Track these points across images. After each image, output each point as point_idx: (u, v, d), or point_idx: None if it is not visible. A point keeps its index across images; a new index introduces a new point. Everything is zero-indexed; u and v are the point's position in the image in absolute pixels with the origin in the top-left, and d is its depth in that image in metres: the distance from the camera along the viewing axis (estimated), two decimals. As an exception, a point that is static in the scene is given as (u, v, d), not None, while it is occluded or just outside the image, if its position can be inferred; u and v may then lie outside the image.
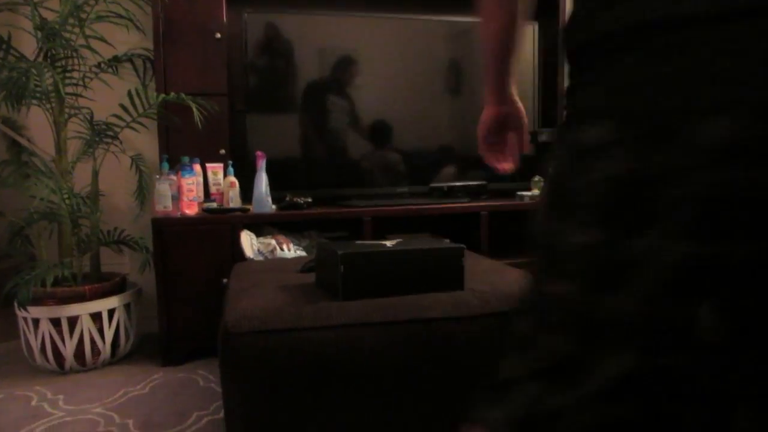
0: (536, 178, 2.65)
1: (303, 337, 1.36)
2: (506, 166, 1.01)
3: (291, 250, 2.29)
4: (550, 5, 2.79)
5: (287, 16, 2.51)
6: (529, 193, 2.63)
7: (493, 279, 1.71)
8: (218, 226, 2.24)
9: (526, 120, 1.01)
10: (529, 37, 2.79)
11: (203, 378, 2.12)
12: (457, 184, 2.68)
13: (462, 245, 1.61)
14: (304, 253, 2.28)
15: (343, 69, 2.58)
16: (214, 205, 2.34)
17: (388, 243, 1.60)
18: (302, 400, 1.37)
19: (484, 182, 2.70)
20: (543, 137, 2.67)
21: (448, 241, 1.75)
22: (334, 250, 1.52)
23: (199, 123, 2.30)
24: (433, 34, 2.68)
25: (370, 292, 1.48)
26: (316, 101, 2.56)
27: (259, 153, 2.33)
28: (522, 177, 2.71)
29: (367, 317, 1.40)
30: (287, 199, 2.40)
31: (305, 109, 2.55)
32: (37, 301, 2.15)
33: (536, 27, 2.78)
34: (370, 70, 2.61)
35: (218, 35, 2.38)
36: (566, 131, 0.58)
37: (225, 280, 2.24)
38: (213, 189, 2.40)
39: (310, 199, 2.43)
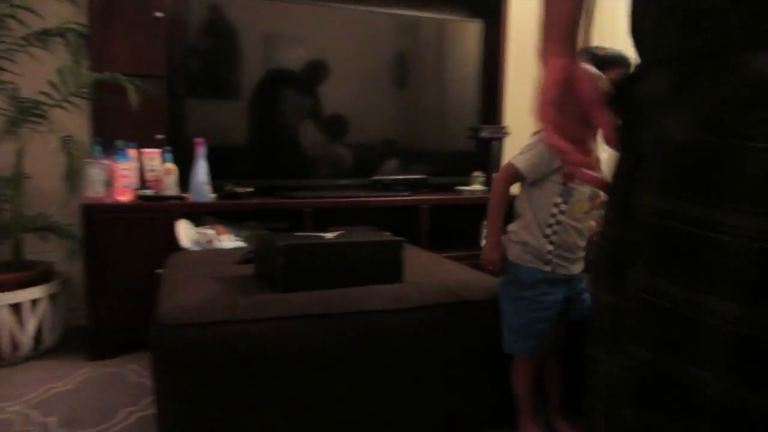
0: (476, 173, 2.71)
1: (240, 330, 1.34)
2: (592, 175, 0.63)
3: (230, 241, 2.24)
4: (494, 6, 2.84)
5: (233, 0, 2.45)
6: (468, 188, 2.68)
7: (432, 272, 1.74)
8: (153, 215, 2.16)
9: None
10: (473, 35, 2.83)
11: (134, 372, 2.05)
12: (399, 177, 2.70)
13: (402, 238, 1.62)
14: (243, 244, 2.24)
15: (289, 57, 2.54)
16: (150, 192, 2.26)
17: (329, 235, 1.60)
18: (238, 394, 1.35)
19: (425, 176, 2.73)
20: (484, 133, 2.73)
21: (388, 233, 1.77)
22: (274, 241, 1.50)
23: (135, 105, 2.21)
24: (381, 26, 2.68)
25: (310, 284, 1.48)
26: (261, 89, 2.51)
27: (198, 139, 2.27)
28: (462, 172, 2.75)
29: (306, 309, 1.40)
30: (227, 188, 2.35)
31: (249, 96, 2.50)
32: (-48, 290, 2.02)
33: (481, 25, 2.83)
34: (316, 60, 2.58)
35: (158, 14, 2.29)
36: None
37: (159, 271, 2.17)
38: (149, 175, 2.32)
39: (251, 189, 2.38)
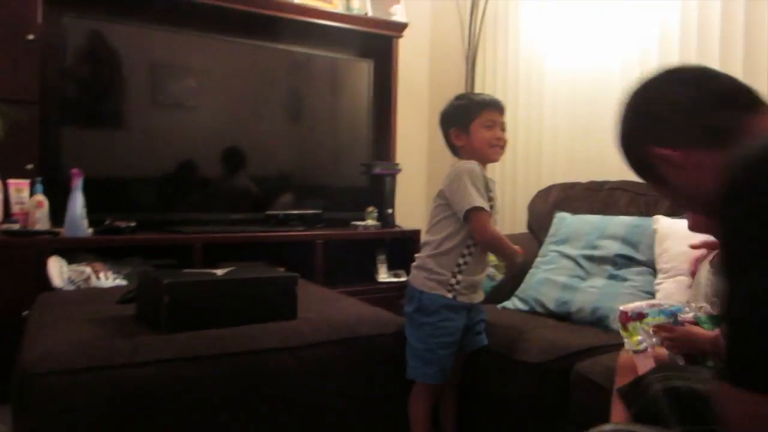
0: (369, 209, 2.74)
1: (119, 376, 1.23)
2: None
3: (109, 279, 2.08)
4: (383, 47, 2.95)
5: (115, 26, 2.34)
6: (362, 223, 2.71)
7: (325, 307, 1.72)
8: (20, 251, 1.97)
9: None
10: (365, 74, 2.91)
11: (-9, 428, 1.82)
12: (294, 212, 2.67)
13: (296, 274, 1.60)
14: (124, 282, 2.09)
15: (178, 88, 2.46)
16: (17, 226, 2.06)
17: (219, 271, 1.54)
18: (114, 445, 1.24)
19: (319, 211, 2.73)
20: (378, 169, 2.79)
21: (282, 269, 1.73)
22: (158, 279, 1.42)
23: (1, 132, 2.02)
24: (274, 61, 2.68)
25: (197, 324, 1.40)
26: (144, 118, 2.40)
27: (74, 170, 2.11)
28: (356, 207, 2.78)
29: (192, 351, 1.32)
30: (108, 222, 2.20)
31: (133, 126, 2.38)
32: None
33: (371, 65, 2.92)
34: (205, 92, 2.52)
35: (31, 36, 2.13)
36: None
37: (25, 313, 1.96)
38: (16, 208, 2.11)
39: (133, 224, 2.24)
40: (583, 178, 2.34)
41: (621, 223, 1.94)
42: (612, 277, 1.83)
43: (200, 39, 2.50)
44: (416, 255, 1.63)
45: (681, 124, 0.83)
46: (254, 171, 2.65)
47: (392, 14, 2.94)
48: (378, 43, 2.96)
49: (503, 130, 1.62)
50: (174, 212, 2.45)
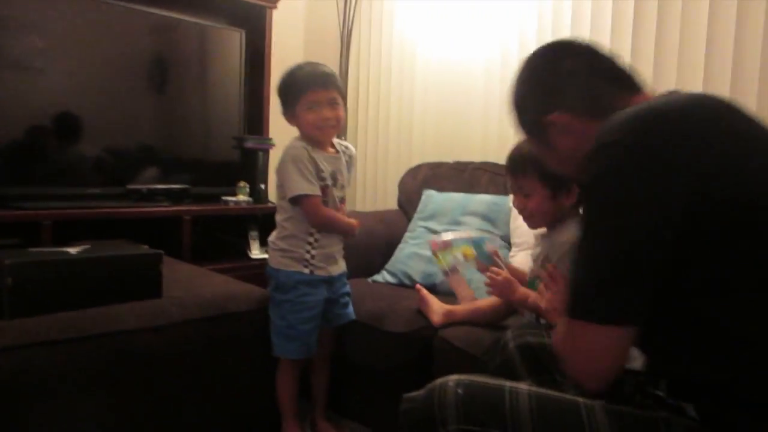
0: (241, 184, 2.68)
1: (-48, 366, 1.11)
2: None
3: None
4: (255, 16, 2.86)
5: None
6: (233, 198, 2.64)
7: (193, 285, 1.67)
8: None
9: None
10: (235, 44, 2.80)
11: None
12: (159, 186, 2.53)
13: (160, 251, 1.53)
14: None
15: (18, 47, 2.20)
16: None
17: (73, 250, 1.43)
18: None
19: (187, 186, 2.61)
20: (249, 143, 2.72)
21: (146, 247, 1.65)
22: (-1, 259, 1.28)
23: None
24: (133, 24, 2.48)
25: (48, 307, 1.30)
26: (-20, 80, 2.12)
27: None
28: (226, 182, 2.70)
29: (42, 335, 1.22)
30: (-67, 196, 1.93)
31: (-37, 87, 2.09)
32: None
33: (243, 35, 2.82)
34: (54, 53, 2.28)
35: None
36: None
37: None
38: None
39: (-33, 198, 1.99)
40: (450, 158, 2.47)
41: (482, 201, 2.08)
42: (473, 250, 1.96)
43: (47, -7, 2.25)
44: (269, 237, 1.64)
45: (570, 93, 0.92)
46: (112, 142, 2.46)
47: (265, -17, 2.85)
48: (251, 12, 2.85)
49: (335, 104, 1.56)
50: (15, 186, 2.21)
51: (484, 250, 1.44)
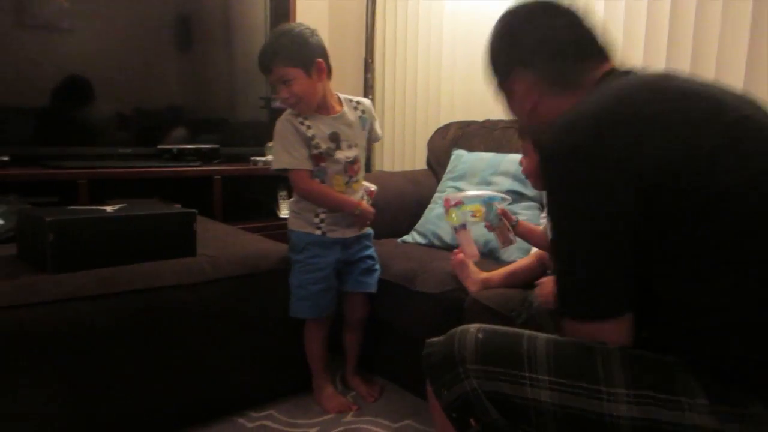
0: (270, 144, 2.68)
1: (2, 318, 1.16)
2: None
3: (-20, 218, 1.90)
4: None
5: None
6: (262, 158, 2.65)
7: (225, 244, 1.70)
8: None
9: None
10: (260, 2, 2.76)
11: None
12: (188, 146, 2.55)
13: (194, 210, 1.55)
14: (1, 222, 1.92)
15: (46, 8, 2.20)
16: None
17: (109, 208, 1.46)
18: (6, 389, 1.17)
19: (216, 146, 2.62)
20: (277, 103, 2.70)
21: (179, 206, 1.67)
22: (40, 217, 1.32)
23: None
24: (161, -18, 2.46)
25: (87, 263, 1.34)
26: (10, 41, 2.14)
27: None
28: (255, 142, 2.70)
29: (83, 290, 1.27)
30: (-27, 156, 1.98)
31: (-4, 48, 2.12)
32: None
33: (271, -8, 2.77)
34: (81, 13, 2.27)
35: None
36: None
37: None
38: None
39: (6, 158, 2.04)
40: (480, 117, 2.42)
41: (512, 160, 2.04)
42: (503, 211, 1.95)
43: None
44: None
45: (539, 54, 0.92)
46: (141, 102, 2.47)
47: (291, -62, 2.78)
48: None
49: (285, 82, 1.49)
50: (52, 146, 2.25)
51: (493, 209, 1.46)
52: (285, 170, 1.55)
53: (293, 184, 1.57)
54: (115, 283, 1.31)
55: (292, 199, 1.64)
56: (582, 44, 0.91)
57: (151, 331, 1.36)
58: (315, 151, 1.53)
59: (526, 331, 0.83)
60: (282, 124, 1.55)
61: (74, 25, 2.26)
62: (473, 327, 0.85)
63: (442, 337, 0.87)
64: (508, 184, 1.99)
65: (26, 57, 2.17)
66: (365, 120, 1.65)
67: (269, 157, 2.65)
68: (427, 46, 2.72)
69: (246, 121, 2.78)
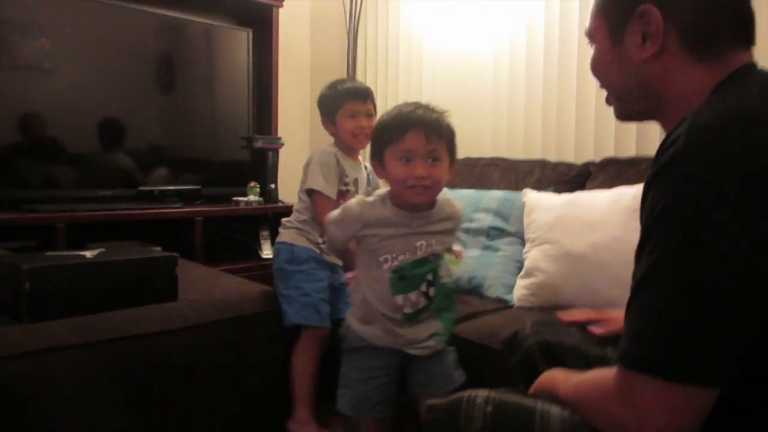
0: (252, 184, 2.68)
1: (-27, 373, 1.12)
2: None
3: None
4: (262, 16, 2.85)
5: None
6: (245, 199, 2.64)
7: (207, 287, 1.67)
8: None
9: None
10: (242, 44, 2.80)
11: None
12: (170, 188, 2.53)
13: (175, 254, 1.53)
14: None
15: (27, 46, 2.20)
16: None
17: (89, 253, 1.43)
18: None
19: (198, 186, 2.61)
20: (259, 143, 2.72)
21: (159, 249, 1.65)
22: (15, 264, 1.29)
23: None
24: (141, 24, 2.49)
25: (65, 311, 1.30)
26: (-9, 85, 2.13)
27: None
28: (237, 182, 2.70)
29: (61, 340, 1.23)
30: (-53, 201, 1.95)
31: (-26, 92, 2.10)
32: None
33: (250, 34, 2.82)
34: (63, 54, 2.28)
35: None
36: None
37: None
38: None
39: (-19, 202, 2.01)
40: (460, 154, 2.45)
41: (493, 197, 2.07)
42: (486, 248, 1.95)
43: (55, -3, 2.25)
44: (284, 219, 1.76)
45: (684, 3, 0.72)
46: (123, 143, 2.47)
47: (271, -18, 2.84)
48: (257, 10, 2.85)
49: (370, 115, 1.70)
50: (28, 189, 2.22)
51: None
52: (312, 191, 1.64)
53: (315, 207, 1.65)
54: (93, 331, 1.28)
55: (294, 215, 1.73)
56: (739, 16, 0.72)
57: (132, 379, 1.32)
58: (343, 188, 1.67)
59: (539, 405, 0.77)
60: (326, 155, 1.68)
61: (56, 66, 2.27)
62: (481, 397, 0.79)
63: (445, 402, 0.82)
64: (489, 220, 2.00)
65: (5, 97, 2.16)
66: (371, 177, 1.77)
67: (251, 197, 2.65)
68: (407, 83, 2.78)
69: (228, 161, 2.78)
